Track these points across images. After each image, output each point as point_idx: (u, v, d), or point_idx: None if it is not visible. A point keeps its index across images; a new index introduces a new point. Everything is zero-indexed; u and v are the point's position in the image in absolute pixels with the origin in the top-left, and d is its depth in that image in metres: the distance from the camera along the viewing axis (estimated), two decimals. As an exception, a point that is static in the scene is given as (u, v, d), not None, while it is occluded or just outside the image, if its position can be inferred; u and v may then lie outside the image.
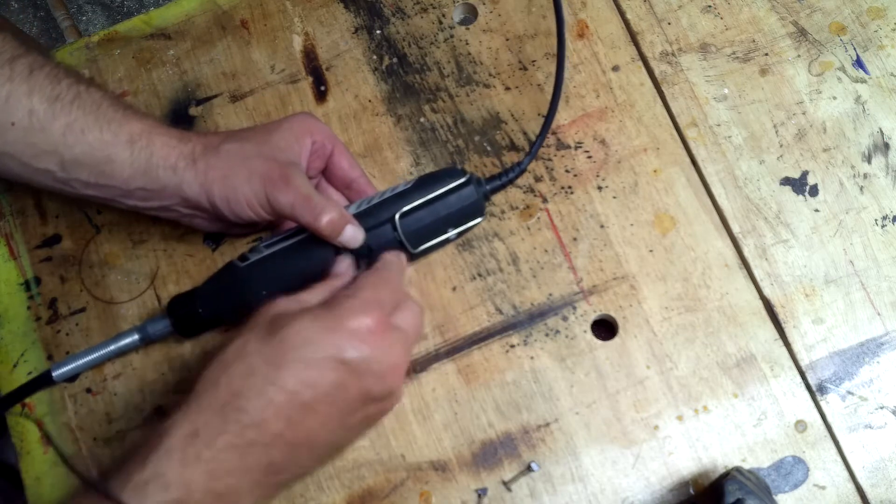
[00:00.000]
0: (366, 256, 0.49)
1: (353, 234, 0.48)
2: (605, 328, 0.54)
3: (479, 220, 0.52)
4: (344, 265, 0.48)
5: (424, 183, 0.50)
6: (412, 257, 0.51)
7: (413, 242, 0.50)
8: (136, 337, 0.52)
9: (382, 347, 0.41)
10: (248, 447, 0.38)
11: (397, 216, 0.49)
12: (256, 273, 0.49)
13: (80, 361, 0.52)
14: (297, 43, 0.61)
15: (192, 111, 0.60)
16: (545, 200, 0.56)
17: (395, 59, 0.60)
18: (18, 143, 0.48)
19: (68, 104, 0.48)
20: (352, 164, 0.54)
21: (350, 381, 0.40)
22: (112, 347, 0.52)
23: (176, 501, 0.36)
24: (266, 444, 0.38)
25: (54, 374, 0.52)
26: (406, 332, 0.44)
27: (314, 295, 0.44)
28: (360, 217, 0.50)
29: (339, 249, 0.49)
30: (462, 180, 0.50)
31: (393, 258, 0.49)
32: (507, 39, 0.60)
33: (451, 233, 0.51)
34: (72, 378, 0.54)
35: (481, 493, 0.50)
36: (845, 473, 0.50)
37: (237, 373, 0.39)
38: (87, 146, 0.48)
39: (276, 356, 0.39)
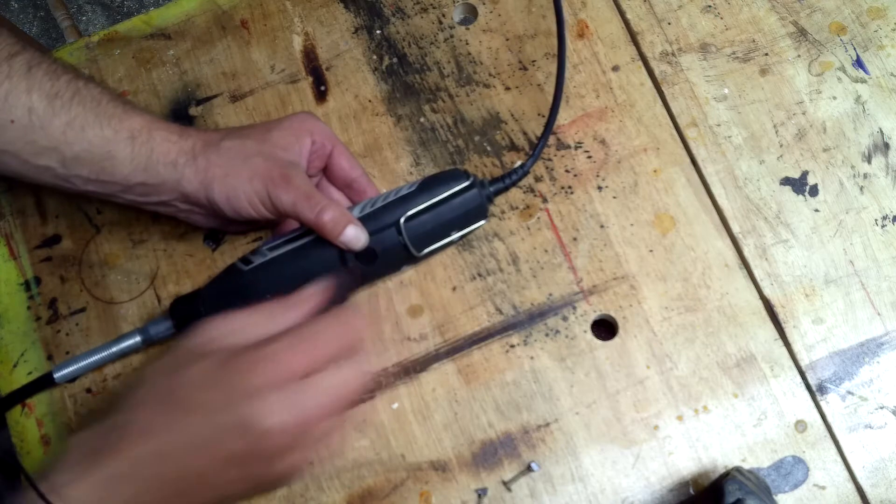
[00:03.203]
0: (370, 261, 0.49)
1: (356, 234, 0.48)
2: (605, 328, 0.54)
3: (482, 222, 0.52)
4: (314, 288, 0.46)
5: (428, 185, 0.50)
6: (415, 260, 0.51)
7: (417, 246, 0.50)
8: (138, 339, 0.52)
9: (271, 407, 0.39)
10: (134, 467, 0.39)
11: (402, 220, 0.49)
12: (260, 276, 0.49)
13: (83, 363, 0.52)
14: (297, 43, 0.61)
15: (192, 111, 0.60)
16: (545, 200, 0.56)
17: (395, 59, 0.60)
18: (18, 141, 0.48)
19: (68, 101, 0.48)
20: (352, 164, 0.54)
21: (226, 436, 0.39)
22: (114, 349, 0.52)
23: None
24: (145, 479, 0.39)
25: (56, 375, 0.52)
26: (322, 390, 0.41)
27: (252, 317, 0.43)
28: (364, 220, 0.49)
29: (344, 253, 0.49)
30: (466, 183, 0.50)
31: (349, 313, 0.45)
32: (507, 39, 0.60)
33: (455, 235, 0.51)
34: (72, 379, 0.54)
35: (481, 493, 0.50)
36: (845, 473, 0.50)
37: (138, 398, 0.41)
38: (88, 143, 0.48)
39: (166, 394, 0.41)
